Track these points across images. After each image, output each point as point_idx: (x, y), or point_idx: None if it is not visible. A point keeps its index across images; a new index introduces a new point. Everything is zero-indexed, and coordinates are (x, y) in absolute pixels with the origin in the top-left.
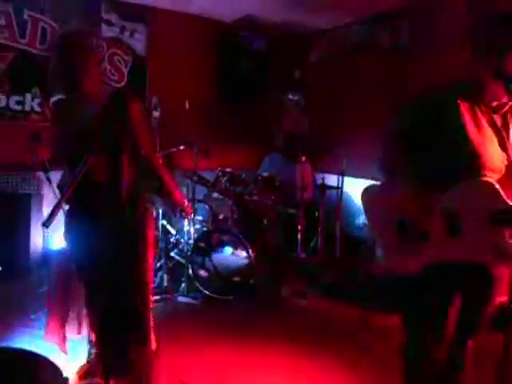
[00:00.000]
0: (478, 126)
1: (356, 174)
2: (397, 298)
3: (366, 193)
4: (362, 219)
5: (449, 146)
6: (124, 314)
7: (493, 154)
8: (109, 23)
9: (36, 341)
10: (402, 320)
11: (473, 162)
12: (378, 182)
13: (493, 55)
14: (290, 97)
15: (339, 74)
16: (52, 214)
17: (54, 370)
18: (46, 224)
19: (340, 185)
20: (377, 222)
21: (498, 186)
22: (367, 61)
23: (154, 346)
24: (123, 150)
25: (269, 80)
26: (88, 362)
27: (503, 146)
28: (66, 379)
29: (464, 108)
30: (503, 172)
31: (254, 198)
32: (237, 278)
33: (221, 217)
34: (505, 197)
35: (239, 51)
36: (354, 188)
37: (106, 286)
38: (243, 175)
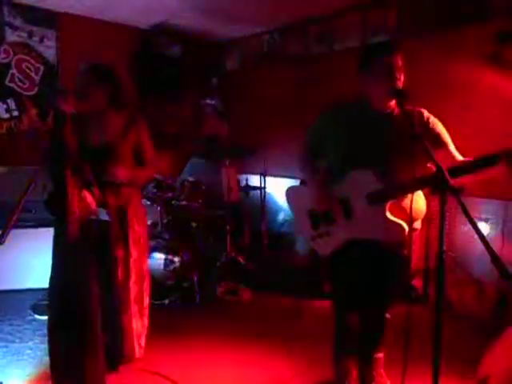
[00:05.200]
0: (361, 132)
1: (276, 174)
2: (321, 283)
3: (288, 192)
4: (282, 216)
5: (338, 149)
6: (77, 322)
7: (371, 153)
8: (13, 27)
9: None
10: (331, 303)
11: (350, 159)
12: (297, 182)
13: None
14: (208, 101)
15: (255, 80)
16: (6, 230)
17: None
18: (1, 241)
19: (263, 185)
20: (296, 214)
21: (370, 174)
22: (280, 68)
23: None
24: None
25: (186, 86)
26: None
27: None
28: None
29: (349, 120)
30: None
31: (182, 202)
32: (170, 282)
33: (149, 223)
34: (377, 182)
35: (155, 58)
36: (275, 187)
37: (59, 296)
38: (169, 181)
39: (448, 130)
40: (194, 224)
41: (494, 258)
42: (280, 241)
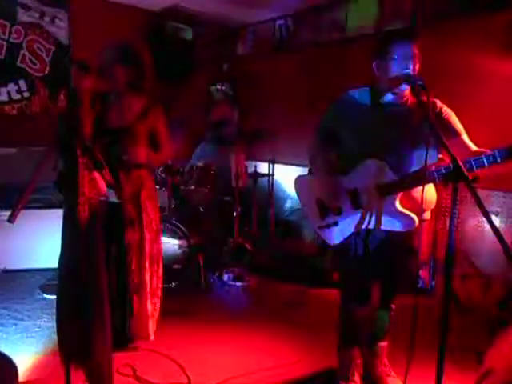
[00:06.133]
0: (375, 120)
1: (285, 161)
2: (327, 271)
3: (297, 181)
4: (290, 204)
5: (351, 137)
6: (85, 301)
7: (384, 142)
8: (25, 7)
9: None
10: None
11: (364, 147)
12: (306, 170)
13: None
14: (218, 87)
15: (266, 66)
16: (16, 211)
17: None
18: (11, 220)
19: (271, 172)
20: (305, 203)
21: (381, 164)
22: (292, 54)
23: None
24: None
25: (197, 70)
26: None
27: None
28: (16, 369)
29: (362, 107)
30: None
31: (191, 187)
32: (177, 266)
33: None
34: (388, 172)
35: (167, 41)
36: (283, 175)
37: (68, 276)
38: (178, 165)
39: (460, 119)
40: (201, 209)
41: (507, 251)
42: (287, 228)
